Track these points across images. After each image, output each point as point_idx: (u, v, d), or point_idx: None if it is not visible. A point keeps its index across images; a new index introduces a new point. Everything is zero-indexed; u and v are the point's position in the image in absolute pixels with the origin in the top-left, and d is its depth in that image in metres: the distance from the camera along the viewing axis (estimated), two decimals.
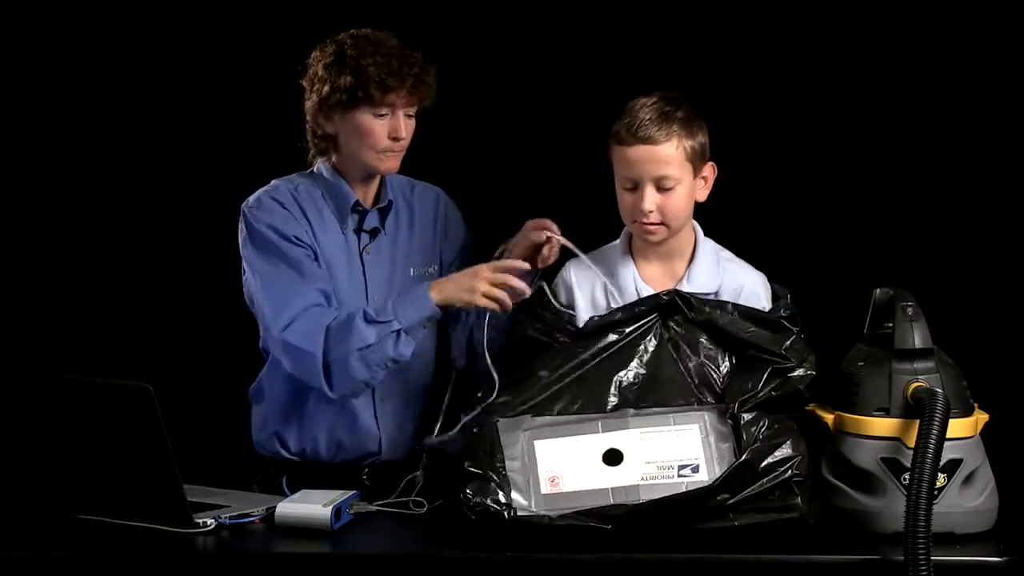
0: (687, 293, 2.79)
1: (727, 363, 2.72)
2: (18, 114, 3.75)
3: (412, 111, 2.98)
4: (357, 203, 3.04)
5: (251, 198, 3.03)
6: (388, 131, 2.95)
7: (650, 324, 2.76)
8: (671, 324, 2.75)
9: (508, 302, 2.84)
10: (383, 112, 2.94)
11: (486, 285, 2.84)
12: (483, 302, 2.84)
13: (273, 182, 3.07)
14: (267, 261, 2.97)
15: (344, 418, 3.02)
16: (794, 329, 2.74)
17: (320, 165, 3.07)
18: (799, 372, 2.69)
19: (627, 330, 2.76)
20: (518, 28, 3.64)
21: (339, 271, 3.03)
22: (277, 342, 2.93)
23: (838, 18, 3.57)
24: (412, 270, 3.08)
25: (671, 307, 2.76)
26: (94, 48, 3.72)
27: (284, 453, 3.04)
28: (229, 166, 3.60)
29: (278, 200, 3.00)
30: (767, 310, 2.83)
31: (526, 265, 2.87)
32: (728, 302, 2.80)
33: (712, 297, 2.88)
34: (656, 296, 2.78)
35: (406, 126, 2.97)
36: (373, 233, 3.07)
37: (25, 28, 3.72)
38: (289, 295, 2.93)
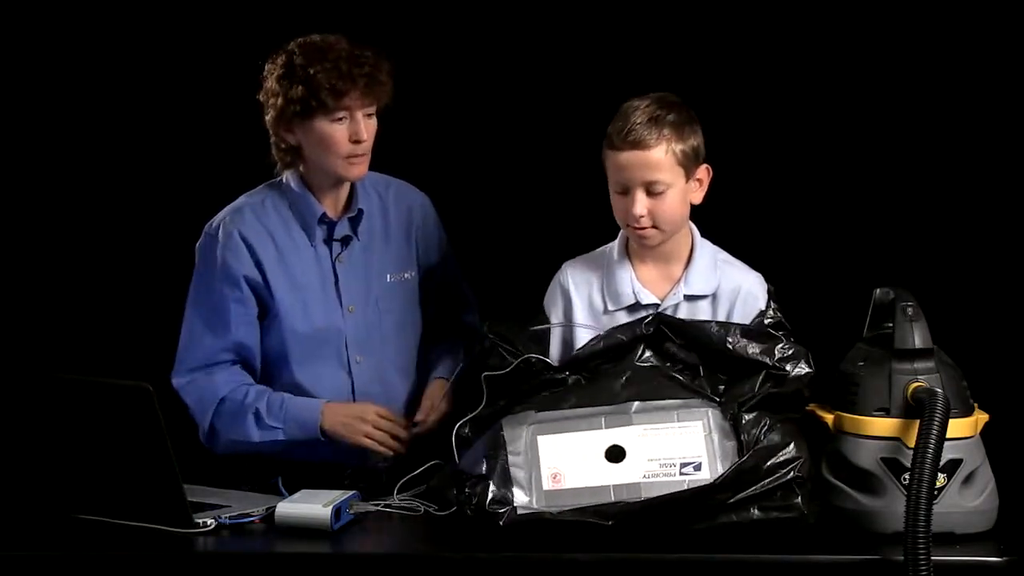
0: (668, 316, 2.77)
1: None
2: (18, 114, 3.75)
3: (371, 111, 2.95)
4: (324, 216, 3.02)
5: (215, 221, 3.03)
6: (349, 135, 2.93)
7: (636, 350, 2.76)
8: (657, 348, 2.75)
9: (389, 449, 2.96)
10: (340, 116, 2.92)
11: (371, 428, 2.95)
12: (366, 443, 2.96)
13: (241, 199, 3.06)
14: (199, 293, 3.03)
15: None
16: (780, 335, 2.74)
17: (288, 176, 3.04)
18: (795, 373, 2.69)
19: (610, 363, 2.75)
20: (518, 28, 3.64)
21: (311, 285, 3.01)
22: (174, 387, 3.00)
23: (836, 18, 3.57)
24: (389, 276, 3.07)
25: (656, 333, 2.75)
26: (97, 47, 3.72)
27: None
28: (230, 168, 3.59)
29: (240, 233, 2.99)
30: (754, 317, 2.82)
31: (403, 432, 2.97)
32: (711, 321, 2.78)
33: (708, 298, 2.88)
34: (638, 324, 2.76)
35: (367, 127, 2.94)
36: (345, 241, 3.05)
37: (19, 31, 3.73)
38: (199, 340, 3.00)
